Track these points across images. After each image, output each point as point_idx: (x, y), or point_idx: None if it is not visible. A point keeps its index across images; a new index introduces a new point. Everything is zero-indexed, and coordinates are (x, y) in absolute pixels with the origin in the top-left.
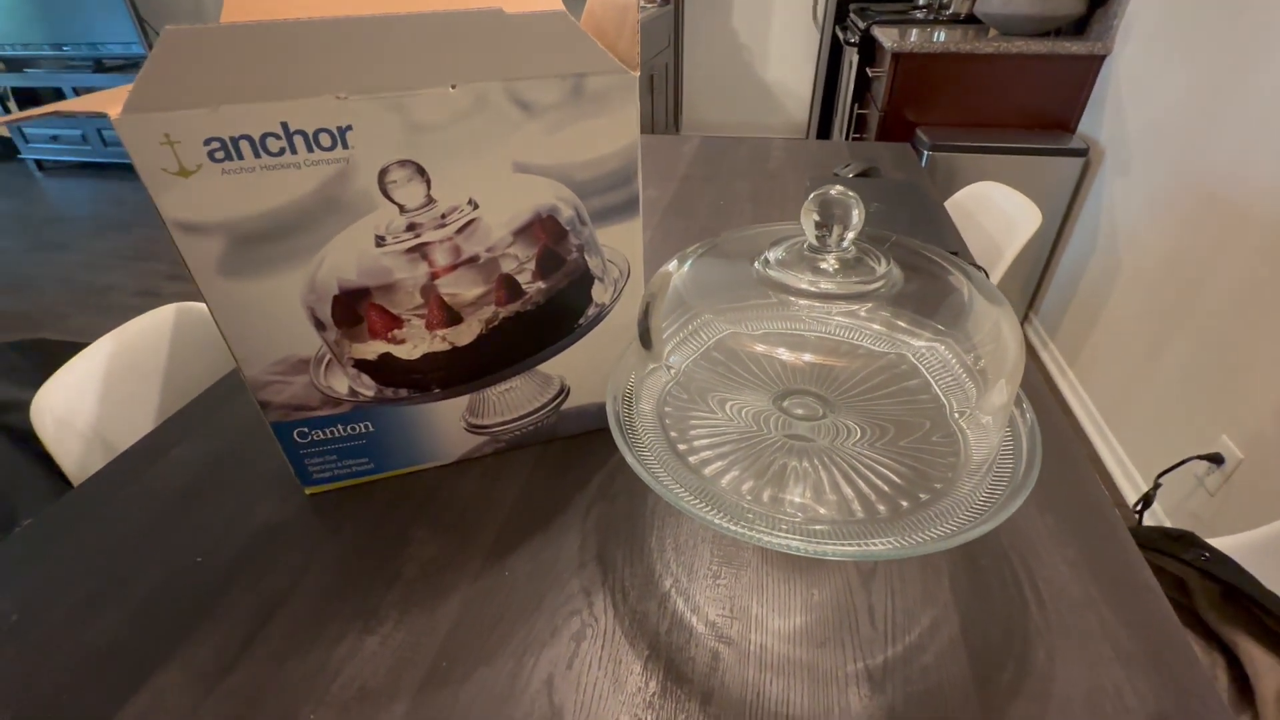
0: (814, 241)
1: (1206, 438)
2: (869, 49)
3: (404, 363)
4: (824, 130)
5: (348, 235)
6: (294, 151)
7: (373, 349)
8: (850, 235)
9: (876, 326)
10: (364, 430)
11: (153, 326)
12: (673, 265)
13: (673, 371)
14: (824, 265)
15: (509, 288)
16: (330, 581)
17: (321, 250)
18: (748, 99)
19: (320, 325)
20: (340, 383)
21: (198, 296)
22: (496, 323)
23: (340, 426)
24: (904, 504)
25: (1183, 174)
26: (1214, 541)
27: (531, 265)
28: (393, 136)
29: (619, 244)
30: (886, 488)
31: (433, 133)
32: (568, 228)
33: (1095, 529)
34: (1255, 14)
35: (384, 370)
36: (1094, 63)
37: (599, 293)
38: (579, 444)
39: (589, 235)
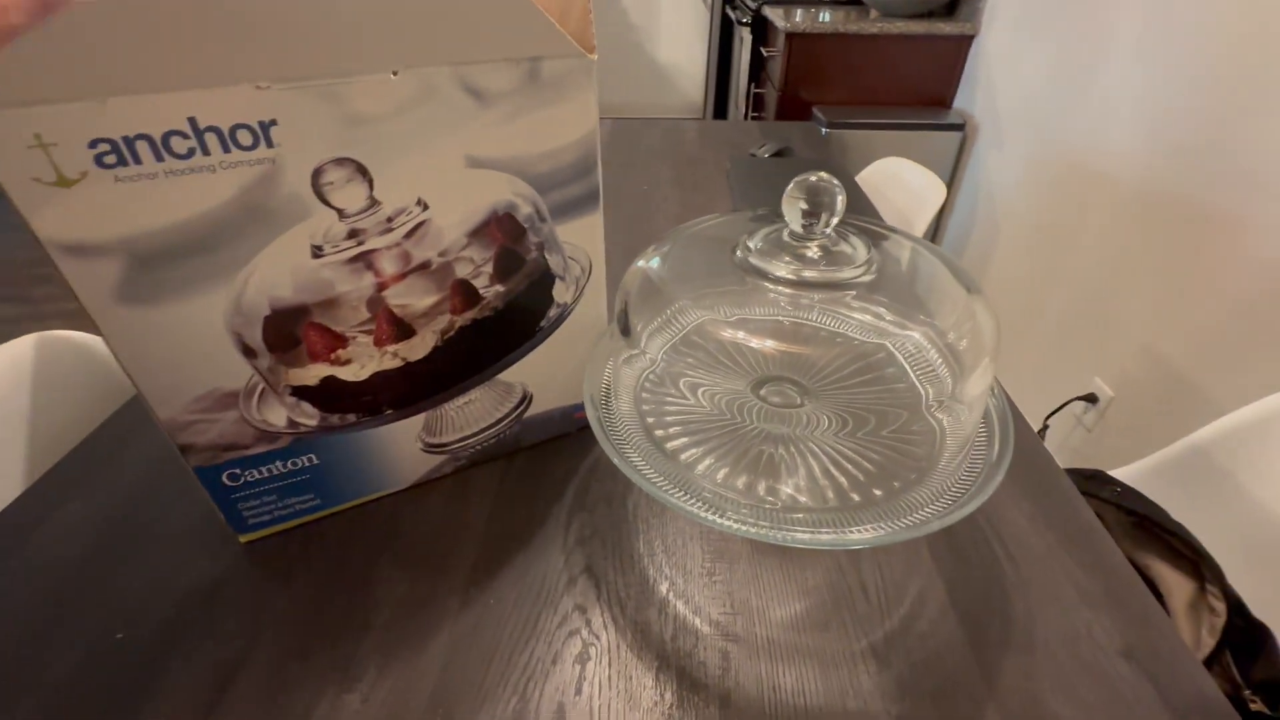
0: (798, 229)
1: (1083, 381)
2: (761, 28)
3: (351, 385)
4: (720, 110)
5: (278, 247)
6: (206, 152)
7: (313, 373)
8: (834, 221)
9: (857, 315)
10: (307, 464)
11: (7, 364)
12: (646, 257)
13: (649, 358)
14: (807, 253)
15: (465, 294)
16: (289, 640)
17: (247, 266)
18: (642, 80)
19: (250, 352)
20: (277, 414)
21: (56, 322)
22: (453, 333)
23: (279, 463)
24: (878, 492)
25: (1048, 145)
26: (1111, 472)
27: (489, 268)
28: (326, 131)
29: (580, 239)
30: (861, 476)
31: (373, 126)
32: (526, 225)
33: (1040, 482)
34: None
35: (328, 395)
36: (964, 42)
37: (560, 292)
38: (545, 453)
39: (549, 232)
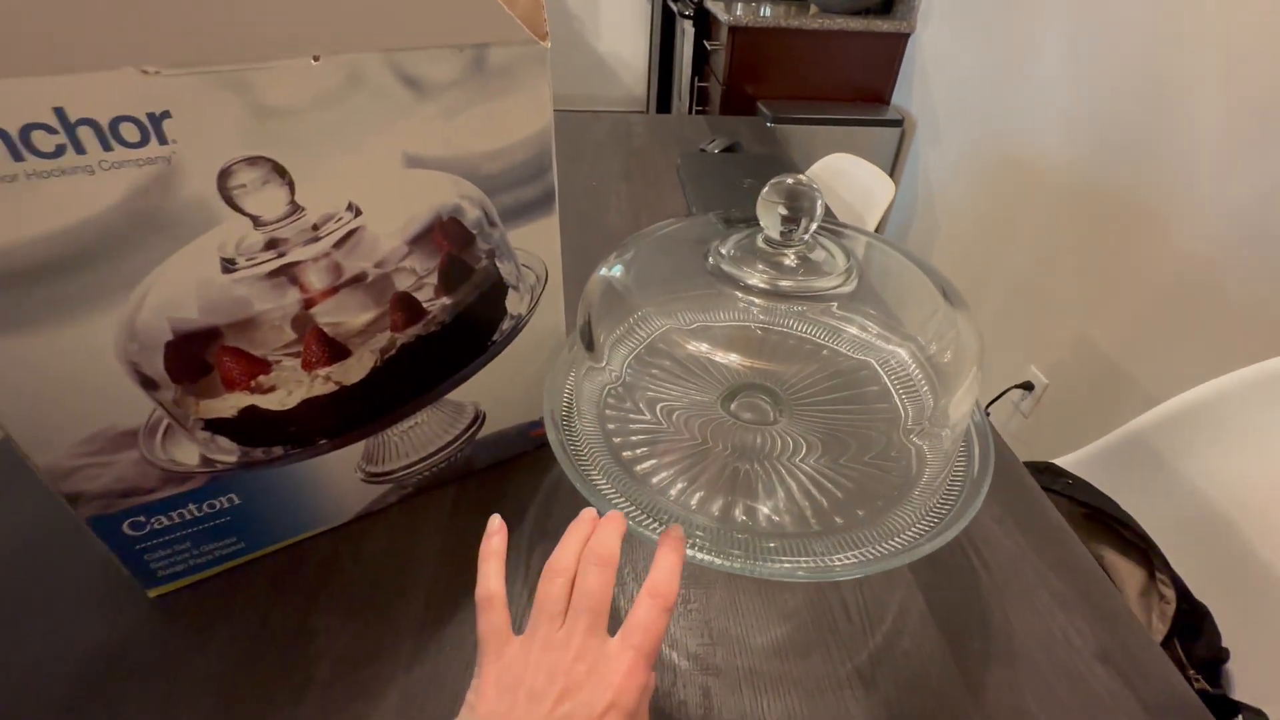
0: (776, 236)
1: (1019, 369)
2: (704, 21)
3: (276, 415)
4: (664, 103)
5: (179, 261)
6: (80, 150)
7: (230, 403)
8: (813, 227)
9: (834, 325)
10: (227, 505)
11: None
12: (609, 264)
13: (614, 371)
14: (784, 261)
15: (407, 308)
16: (211, 708)
17: (141, 284)
18: (583, 72)
19: (150, 384)
20: (187, 453)
21: None
22: (394, 351)
23: (193, 506)
24: (860, 513)
25: (982, 140)
26: (1056, 460)
27: (433, 279)
28: (234, 125)
29: (534, 245)
30: (841, 495)
31: (291, 120)
32: (474, 230)
33: (1006, 482)
34: None
35: (248, 428)
36: (900, 40)
37: (514, 303)
38: (501, 474)
39: (500, 238)
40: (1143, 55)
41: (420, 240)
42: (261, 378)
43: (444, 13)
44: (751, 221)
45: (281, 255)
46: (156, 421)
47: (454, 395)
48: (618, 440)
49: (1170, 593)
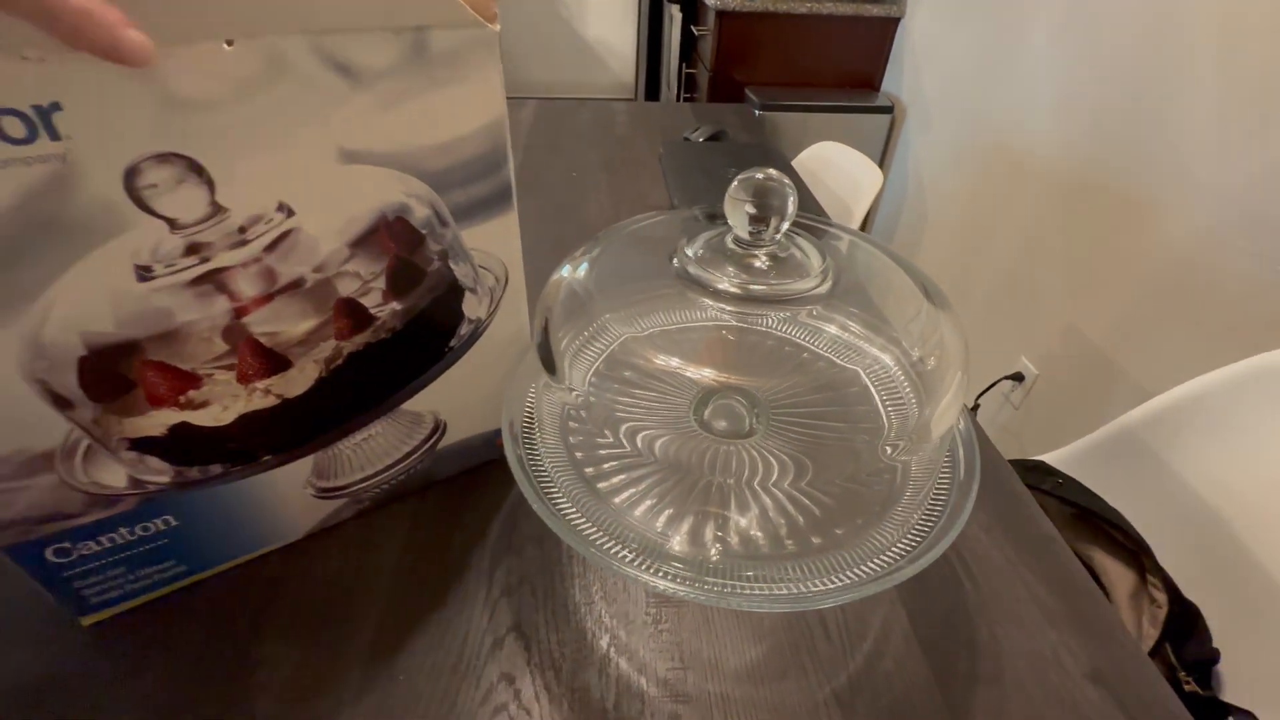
0: (745, 235)
1: (1009, 360)
2: (692, 7)
3: (211, 431)
4: (652, 90)
5: (87, 269)
6: None
7: (158, 421)
8: (785, 227)
9: (811, 326)
10: (163, 528)
11: None
12: (568, 269)
13: (577, 396)
14: (754, 262)
15: (353, 315)
16: None
17: (43, 296)
18: (570, 58)
19: (63, 403)
20: (112, 474)
21: None
22: (340, 361)
23: (124, 530)
24: (839, 531)
25: (973, 128)
26: (1045, 457)
27: (380, 283)
28: (139, 118)
29: (492, 245)
30: (819, 512)
31: (206, 112)
32: (424, 231)
33: (993, 487)
34: None
35: (180, 446)
36: (890, 25)
37: (472, 306)
38: (464, 485)
39: (453, 238)
40: (1135, 40)
41: (364, 242)
42: (192, 393)
43: None
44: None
45: (205, 261)
46: (75, 443)
47: (410, 405)
48: (580, 455)
49: (1162, 595)
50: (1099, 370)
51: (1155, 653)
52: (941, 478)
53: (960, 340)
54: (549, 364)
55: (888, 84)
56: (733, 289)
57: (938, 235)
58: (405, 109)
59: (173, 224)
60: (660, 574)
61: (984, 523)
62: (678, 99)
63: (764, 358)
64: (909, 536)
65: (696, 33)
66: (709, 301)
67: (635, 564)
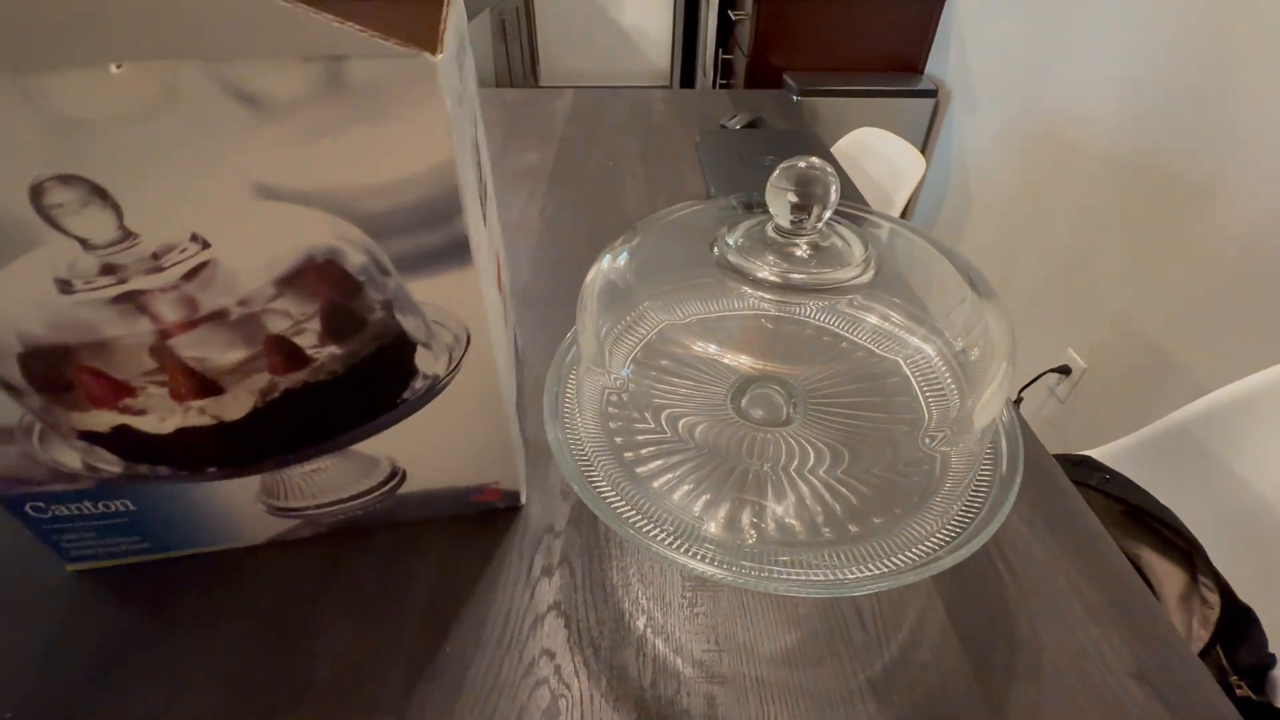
0: (786, 224)
1: (1056, 352)
2: None
3: (152, 437)
4: (687, 78)
5: (9, 277)
6: None
7: (102, 420)
8: (826, 215)
9: (852, 316)
10: (123, 508)
11: None
12: (608, 258)
13: (616, 379)
14: (795, 251)
15: (285, 353)
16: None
17: None
18: (606, 46)
19: (13, 390)
20: (67, 456)
21: None
22: (276, 395)
23: (88, 503)
24: (877, 520)
25: (1022, 111)
26: (1092, 452)
27: (314, 325)
28: (33, 139)
29: (448, 302)
30: (856, 501)
31: (101, 135)
32: (361, 278)
33: (1036, 480)
34: None
35: (126, 445)
36: (936, 4)
37: (427, 362)
38: (440, 531)
39: (397, 289)
40: (1198, 18)
41: (291, 282)
42: (128, 400)
43: (279, 14)
44: (763, 205)
45: (123, 282)
46: (30, 424)
47: (362, 448)
48: (619, 440)
49: (1214, 597)
50: (1153, 364)
51: (1205, 655)
52: (983, 470)
53: (1006, 330)
54: (588, 343)
55: (932, 66)
56: (773, 277)
57: (982, 223)
58: (327, 145)
59: (85, 244)
60: (699, 557)
61: (1026, 515)
62: (713, 86)
63: (802, 347)
64: (948, 527)
65: (734, 17)
66: (748, 290)
67: (674, 546)
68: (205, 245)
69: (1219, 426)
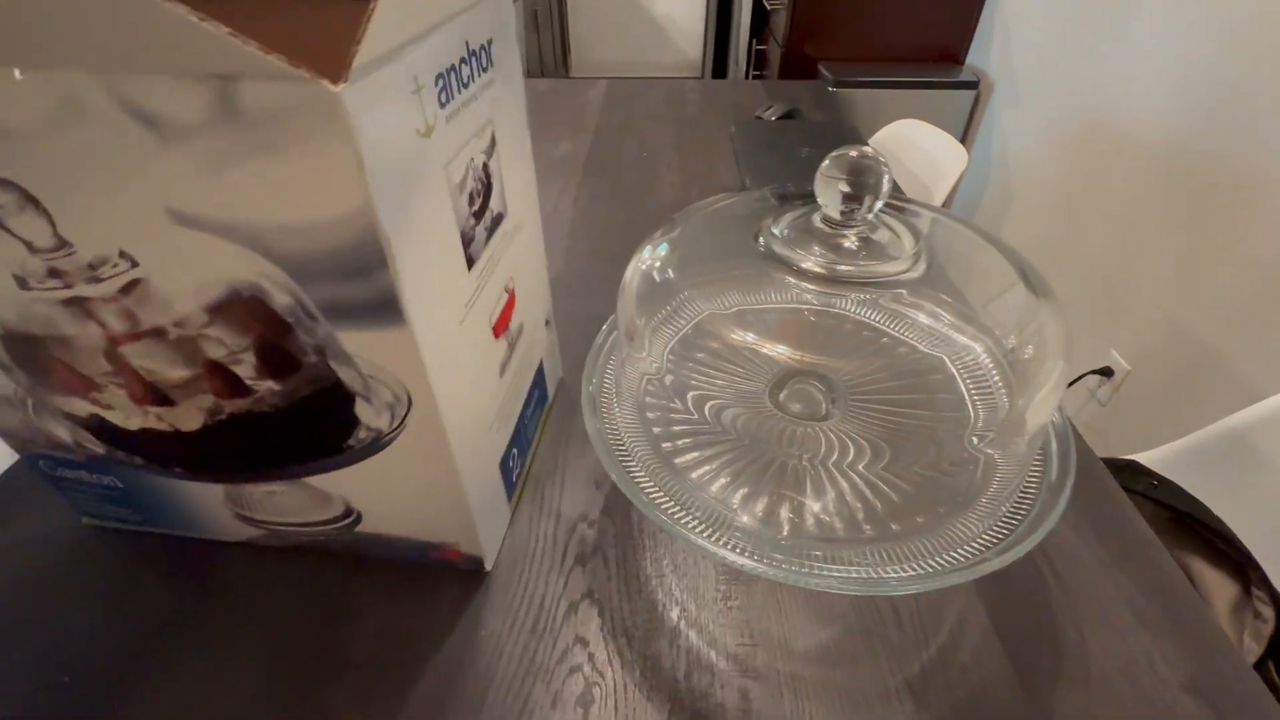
0: (835, 215)
1: (1097, 353)
2: None
3: (122, 430)
4: (719, 68)
5: None
6: None
7: (79, 407)
8: (878, 206)
9: (897, 310)
10: (113, 485)
11: None
12: (648, 249)
13: (654, 364)
14: (843, 242)
15: (225, 380)
16: (238, 684)
17: None
18: (637, 36)
19: (3, 366)
20: (60, 431)
21: None
22: (223, 416)
23: (84, 473)
24: (920, 520)
25: (1068, 104)
26: (1138, 457)
27: (251, 358)
28: None
29: (383, 360)
30: (897, 498)
31: (24, 144)
32: (289, 319)
33: (1084, 484)
34: None
35: (103, 432)
36: None
37: (369, 415)
38: (405, 575)
39: (327, 336)
40: (1259, 8)
41: (221, 311)
42: (96, 395)
43: (161, 22)
44: (808, 197)
45: (68, 287)
46: (21, 397)
47: (315, 482)
48: (657, 430)
49: (1268, 610)
50: (1201, 367)
51: (1258, 669)
52: (1031, 472)
53: (1062, 330)
54: (628, 330)
55: (973, 57)
56: (818, 269)
57: (1022, 219)
58: (234, 176)
59: (30, 246)
60: (739, 550)
61: (1073, 520)
62: (746, 76)
63: (844, 340)
64: (994, 529)
65: (769, 6)
66: (792, 281)
67: (712, 538)
68: (134, 264)
69: (1275, 433)
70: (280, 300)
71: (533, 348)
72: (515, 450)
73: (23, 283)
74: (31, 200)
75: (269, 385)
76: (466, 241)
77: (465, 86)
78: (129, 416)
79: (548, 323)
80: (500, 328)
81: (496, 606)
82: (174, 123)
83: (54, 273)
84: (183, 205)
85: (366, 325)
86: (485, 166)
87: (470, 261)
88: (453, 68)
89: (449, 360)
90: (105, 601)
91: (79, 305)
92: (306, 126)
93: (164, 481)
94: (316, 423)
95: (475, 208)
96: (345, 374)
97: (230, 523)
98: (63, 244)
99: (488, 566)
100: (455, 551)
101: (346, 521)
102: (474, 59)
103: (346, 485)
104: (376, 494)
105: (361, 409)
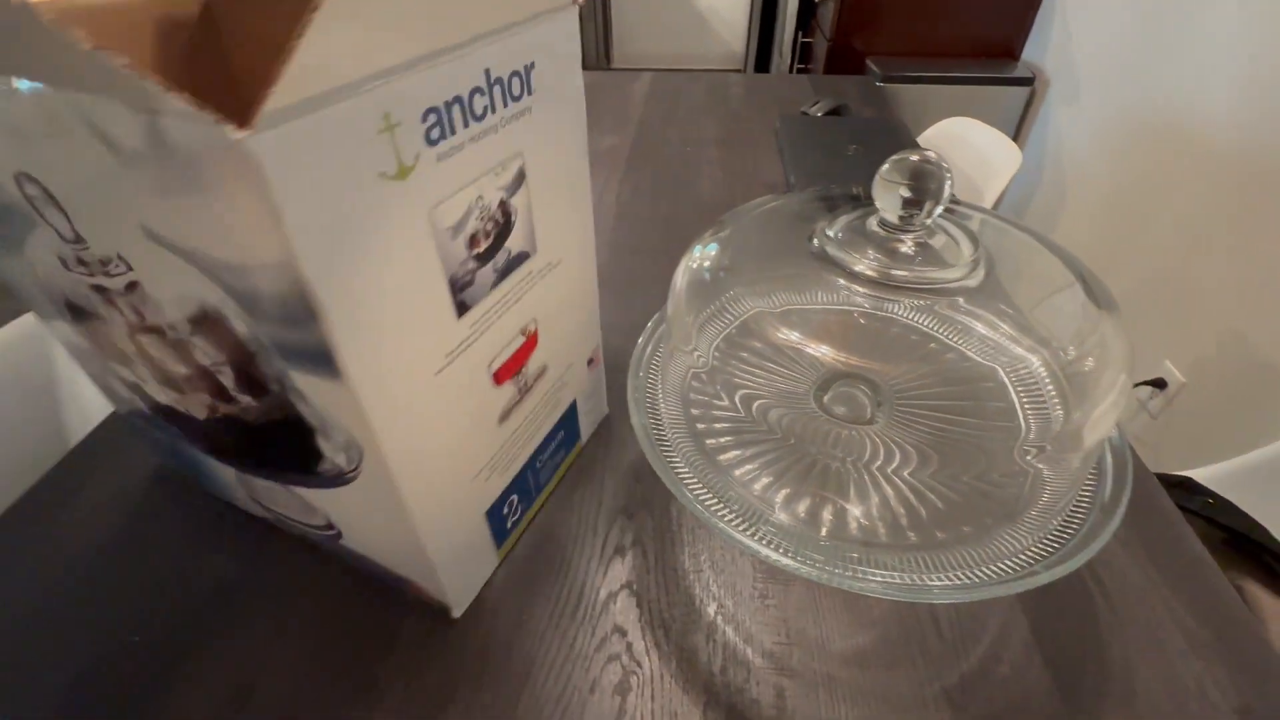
0: (893, 219)
1: (1151, 364)
2: None
3: (156, 402)
4: (762, 61)
5: (34, 242)
6: None
7: (125, 374)
8: (938, 212)
9: (950, 317)
10: (163, 438)
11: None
12: (699, 248)
13: (700, 358)
14: (900, 247)
15: (213, 386)
16: (292, 652)
17: (25, 249)
18: (681, 28)
19: (71, 325)
20: (120, 387)
21: None
22: (219, 415)
23: (141, 421)
24: (966, 529)
25: (1131, 102)
26: (1192, 473)
27: (229, 370)
28: (5, 135)
29: (331, 407)
30: (943, 506)
31: (38, 145)
32: (251, 347)
33: (1139, 502)
34: None
35: (145, 399)
36: None
37: (330, 450)
38: (389, 600)
39: (283, 371)
40: None
41: (200, 326)
42: (133, 368)
43: (69, 47)
44: (858, 200)
45: (92, 275)
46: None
47: (298, 492)
48: (701, 427)
49: None
50: (1264, 382)
51: None
52: (1084, 487)
53: (1125, 342)
54: (675, 327)
55: (1029, 53)
56: (871, 273)
57: (1075, 223)
58: (179, 204)
59: (61, 235)
60: (781, 550)
61: (1123, 537)
62: (790, 70)
63: (891, 345)
64: (1043, 543)
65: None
66: (844, 283)
67: (754, 536)
68: (129, 267)
69: None
70: (239, 327)
71: (561, 389)
72: (515, 496)
73: (65, 264)
74: (50, 196)
75: (247, 400)
76: (459, 287)
77: (478, 119)
78: (157, 392)
79: (590, 361)
80: (506, 374)
81: (539, 593)
82: (124, 147)
83: (80, 261)
84: (152, 224)
85: (310, 371)
86: (503, 204)
87: (462, 308)
88: (457, 99)
89: (410, 413)
90: (175, 563)
91: (103, 293)
92: (220, 172)
93: (195, 451)
94: (288, 444)
95: (478, 250)
96: (304, 409)
97: (248, 502)
98: (79, 239)
99: (455, 614)
100: (421, 589)
101: (331, 533)
102: (498, 87)
103: (326, 501)
104: (349, 518)
105: (323, 443)
